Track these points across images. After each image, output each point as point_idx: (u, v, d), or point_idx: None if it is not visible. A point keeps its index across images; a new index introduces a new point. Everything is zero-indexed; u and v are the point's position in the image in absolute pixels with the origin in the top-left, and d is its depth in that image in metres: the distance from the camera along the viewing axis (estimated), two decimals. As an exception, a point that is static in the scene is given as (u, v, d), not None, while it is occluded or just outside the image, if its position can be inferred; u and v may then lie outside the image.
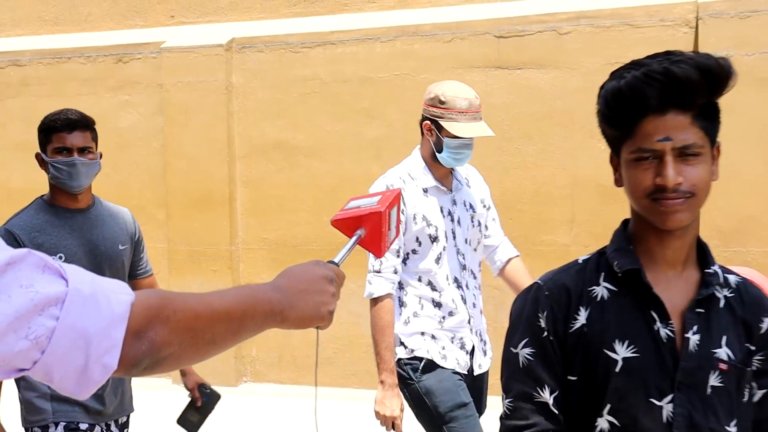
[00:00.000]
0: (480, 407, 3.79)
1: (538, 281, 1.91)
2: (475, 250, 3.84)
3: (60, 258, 3.18)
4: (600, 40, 6.28)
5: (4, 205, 7.65)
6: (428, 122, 3.82)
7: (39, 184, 7.48)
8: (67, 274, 1.22)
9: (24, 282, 1.16)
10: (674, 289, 1.81)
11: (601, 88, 1.82)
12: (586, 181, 6.32)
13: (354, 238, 1.82)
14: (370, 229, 1.82)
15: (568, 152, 6.37)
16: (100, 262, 3.43)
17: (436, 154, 3.78)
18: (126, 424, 3.93)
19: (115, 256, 3.54)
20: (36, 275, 1.18)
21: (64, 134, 3.45)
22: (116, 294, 1.24)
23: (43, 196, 3.60)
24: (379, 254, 1.85)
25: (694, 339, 1.77)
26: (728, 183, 5.94)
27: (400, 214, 1.84)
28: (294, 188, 6.98)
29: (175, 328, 1.30)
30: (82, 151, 3.44)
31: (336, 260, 1.76)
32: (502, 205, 6.49)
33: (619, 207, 6.31)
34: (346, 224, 1.86)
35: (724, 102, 1.75)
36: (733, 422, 1.79)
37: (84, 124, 3.46)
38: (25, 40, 7.87)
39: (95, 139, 3.53)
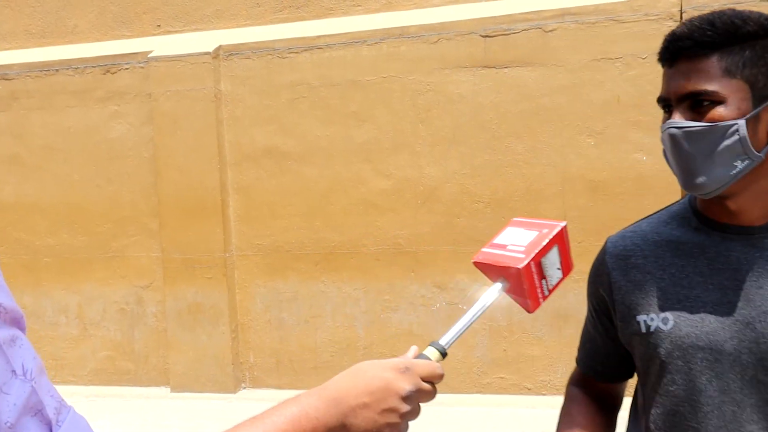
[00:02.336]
0: None
1: None
2: None
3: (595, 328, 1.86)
4: (585, 37, 6.31)
5: (-4, 220, 7.67)
6: None
7: (33, 198, 7.53)
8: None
9: (8, 419, 0.98)
10: None
11: None
12: (576, 178, 6.35)
13: (478, 305, 1.50)
14: (513, 283, 1.53)
15: (558, 149, 6.39)
16: None
17: None
18: None
19: None
20: (24, 416, 1.00)
21: (665, 70, 1.72)
22: None
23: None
24: (529, 309, 1.55)
25: None
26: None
27: (568, 247, 1.56)
28: (286, 194, 6.99)
29: None
30: (696, 103, 1.65)
31: (443, 341, 1.43)
32: (494, 204, 6.53)
33: (609, 202, 6.36)
34: (489, 268, 1.57)
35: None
36: None
37: (706, 42, 1.63)
38: (12, 53, 7.87)
39: (742, 69, 1.62)
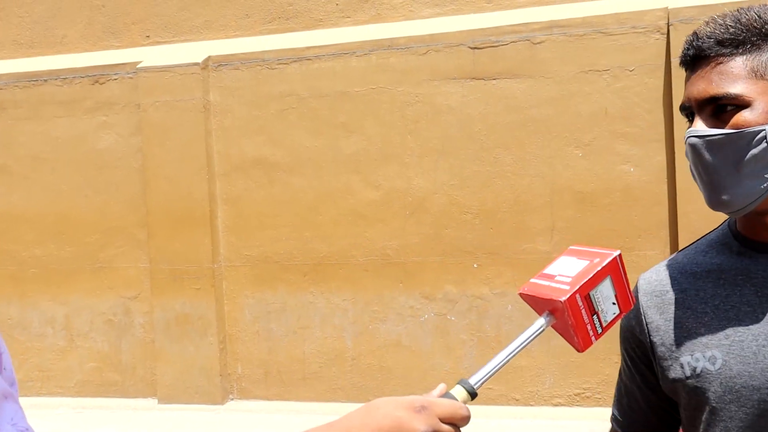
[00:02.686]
0: None
1: None
2: None
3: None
4: (573, 49, 6.33)
5: (-17, 230, 7.64)
6: None
7: (20, 208, 7.51)
8: None
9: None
10: None
11: None
12: (564, 189, 6.37)
13: (516, 342, 1.36)
14: (559, 318, 1.38)
15: (546, 160, 6.41)
16: None
17: None
18: None
19: None
20: None
21: (687, 75, 1.57)
22: None
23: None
24: (578, 348, 1.39)
25: None
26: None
27: (626, 280, 1.39)
28: (274, 204, 6.99)
29: None
30: (719, 108, 1.48)
31: (473, 380, 1.31)
32: (483, 215, 6.54)
33: (596, 213, 6.38)
34: (534, 300, 1.43)
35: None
36: None
37: (728, 41, 1.47)
38: (0, 63, 7.86)
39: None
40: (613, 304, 1.38)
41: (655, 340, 1.59)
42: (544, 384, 6.46)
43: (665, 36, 6.13)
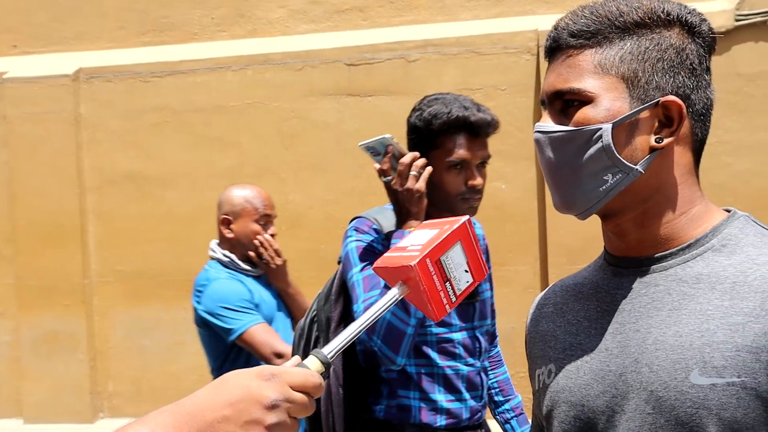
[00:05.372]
0: None
1: None
2: None
3: None
4: (447, 67, 6.46)
5: None
6: None
7: None
8: None
9: None
10: None
11: None
12: (439, 204, 6.47)
13: (369, 313, 1.32)
14: (412, 286, 1.34)
15: (420, 176, 6.50)
16: None
17: None
18: None
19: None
20: None
21: (547, 68, 1.57)
22: None
23: None
24: (433, 316, 1.34)
25: None
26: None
27: (477, 247, 1.38)
28: (148, 219, 6.89)
29: None
30: (567, 104, 1.41)
31: (327, 350, 1.27)
32: (358, 230, 6.59)
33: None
34: (388, 273, 1.39)
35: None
36: None
37: (581, 32, 1.39)
38: None
39: (619, 63, 1.38)
40: (466, 271, 1.37)
41: (527, 353, 1.58)
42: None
43: (535, 57, 6.31)
